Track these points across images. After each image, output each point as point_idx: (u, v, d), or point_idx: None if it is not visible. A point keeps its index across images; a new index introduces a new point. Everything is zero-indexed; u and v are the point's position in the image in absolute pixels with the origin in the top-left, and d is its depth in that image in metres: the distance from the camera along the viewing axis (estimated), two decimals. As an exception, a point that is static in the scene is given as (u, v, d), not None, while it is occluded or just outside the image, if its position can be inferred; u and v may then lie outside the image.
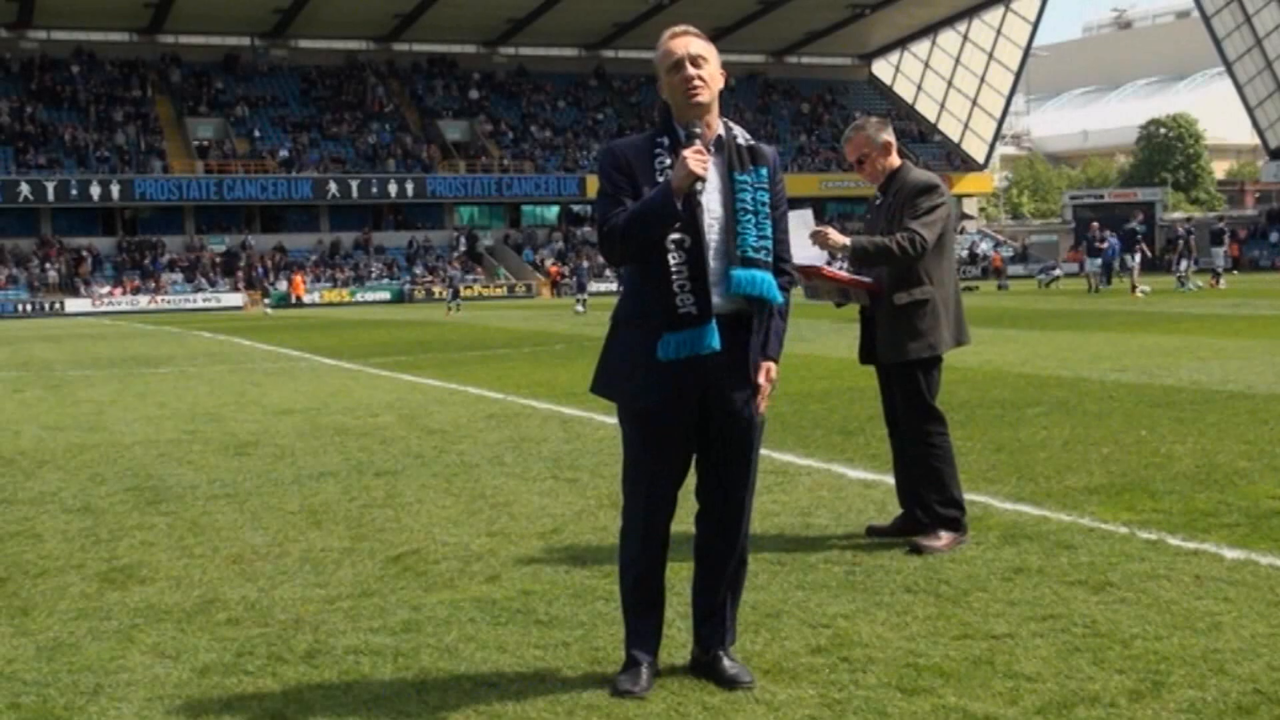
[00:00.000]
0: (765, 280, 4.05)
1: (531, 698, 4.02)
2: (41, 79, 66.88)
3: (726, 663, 4.12)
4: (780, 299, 4.13)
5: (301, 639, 4.73)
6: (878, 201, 6.13)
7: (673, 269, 3.98)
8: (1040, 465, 7.79)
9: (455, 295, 45.88)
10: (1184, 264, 38.02)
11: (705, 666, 4.15)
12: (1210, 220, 59.50)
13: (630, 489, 4.19)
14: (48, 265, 59.82)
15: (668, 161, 4.02)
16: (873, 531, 6.11)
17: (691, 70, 4.04)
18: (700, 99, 4.05)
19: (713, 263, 4.01)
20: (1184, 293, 34.96)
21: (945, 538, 5.74)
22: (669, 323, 3.99)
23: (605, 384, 4.20)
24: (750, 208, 4.08)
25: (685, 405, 4.07)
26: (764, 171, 4.15)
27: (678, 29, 4.14)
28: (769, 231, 4.12)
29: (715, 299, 4.01)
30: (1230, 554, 5.43)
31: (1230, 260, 43.64)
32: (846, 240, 5.84)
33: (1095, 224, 40.43)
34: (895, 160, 6.08)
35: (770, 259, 4.09)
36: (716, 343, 3.98)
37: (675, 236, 3.97)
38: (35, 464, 9.42)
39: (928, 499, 5.84)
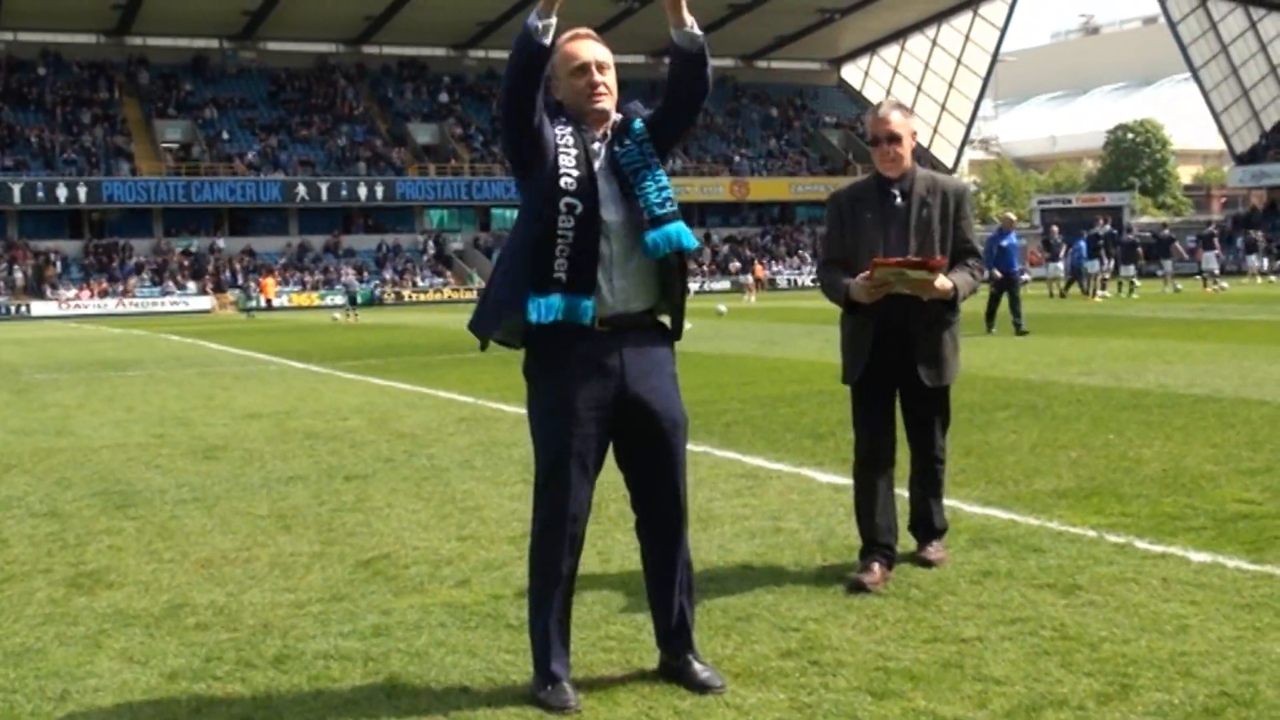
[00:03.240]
0: (679, 232, 4.06)
1: (501, 703, 4.01)
2: (7, 80, 66.45)
3: (697, 666, 4.12)
4: (694, 243, 4.11)
5: (271, 644, 4.71)
6: (897, 201, 5.30)
7: (559, 232, 3.97)
8: (1008, 469, 7.82)
9: (352, 302, 45.36)
10: (1129, 268, 38.48)
11: (675, 671, 4.14)
12: (1199, 224, 60.18)
13: (547, 496, 4.12)
14: (14, 268, 59.38)
15: (570, 140, 4.05)
16: (858, 587, 5.19)
17: (597, 76, 4.08)
18: (602, 105, 4.09)
19: (619, 262, 4.04)
20: (1121, 299, 35.31)
21: (943, 548, 5.61)
22: (538, 285, 3.99)
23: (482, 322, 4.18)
24: (640, 163, 4.09)
25: (599, 410, 4.05)
26: (637, 126, 4.16)
27: (580, 31, 4.13)
28: (664, 180, 4.12)
29: (618, 298, 4.04)
30: (1197, 557, 5.46)
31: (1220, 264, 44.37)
32: (950, 285, 5.15)
33: (1055, 228, 40.78)
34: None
35: (676, 208, 4.09)
36: (588, 318, 3.99)
37: (568, 200, 3.98)
38: (1, 468, 9.34)
39: (935, 512, 5.60)
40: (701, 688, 4.03)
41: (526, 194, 4.10)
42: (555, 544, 4.10)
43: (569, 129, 4.08)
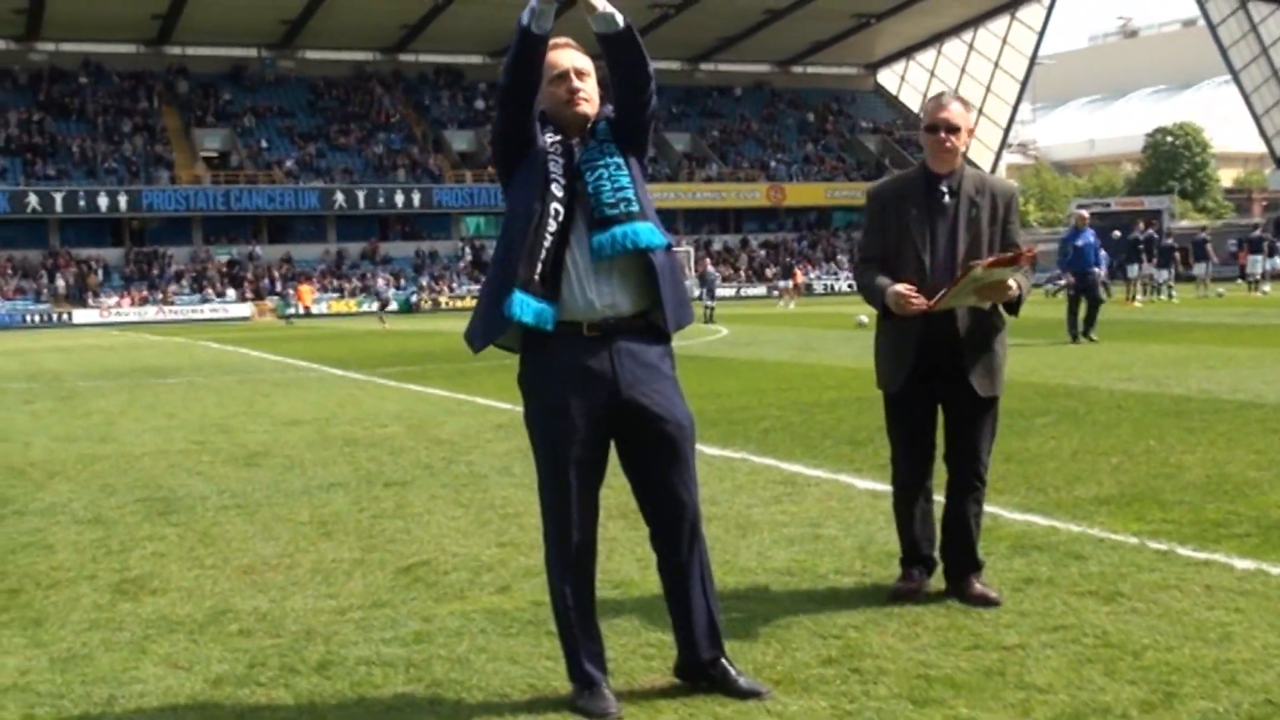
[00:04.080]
0: (629, 232, 4.03)
1: (543, 709, 4.03)
2: (50, 91, 67.09)
3: (734, 672, 4.12)
4: (662, 241, 4.08)
5: (314, 650, 4.74)
6: (945, 198, 5.07)
7: (544, 237, 3.99)
8: (1049, 475, 7.78)
9: (383, 308, 45.85)
10: (1165, 272, 38.27)
11: (713, 678, 4.12)
12: (1244, 228, 59.70)
13: (551, 505, 4.13)
14: (57, 276, 59.98)
15: (559, 147, 4.10)
16: (899, 596, 5.19)
17: (576, 82, 4.11)
18: (583, 109, 4.12)
19: (602, 267, 4.04)
20: (1162, 302, 35.19)
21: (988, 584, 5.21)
22: (523, 281, 3.99)
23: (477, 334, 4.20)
24: (597, 162, 4.10)
25: (593, 416, 4.05)
26: (600, 126, 4.17)
27: (559, 40, 4.14)
28: (624, 180, 4.09)
29: (604, 302, 4.03)
30: (1241, 564, 5.42)
31: (1267, 267, 44.09)
32: (1018, 287, 4.93)
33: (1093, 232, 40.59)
34: None
35: (636, 208, 4.06)
36: (550, 325, 4.01)
37: (556, 205, 4.01)
38: (46, 475, 9.44)
39: (975, 541, 5.20)
40: (744, 694, 4.03)
41: (513, 198, 4.12)
42: (565, 552, 4.12)
43: (558, 137, 4.12)
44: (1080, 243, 20.30)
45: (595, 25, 3.97)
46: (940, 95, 5.24)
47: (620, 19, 3.97)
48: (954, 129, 5.06)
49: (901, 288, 4.93)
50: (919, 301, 4.89)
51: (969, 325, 5.04)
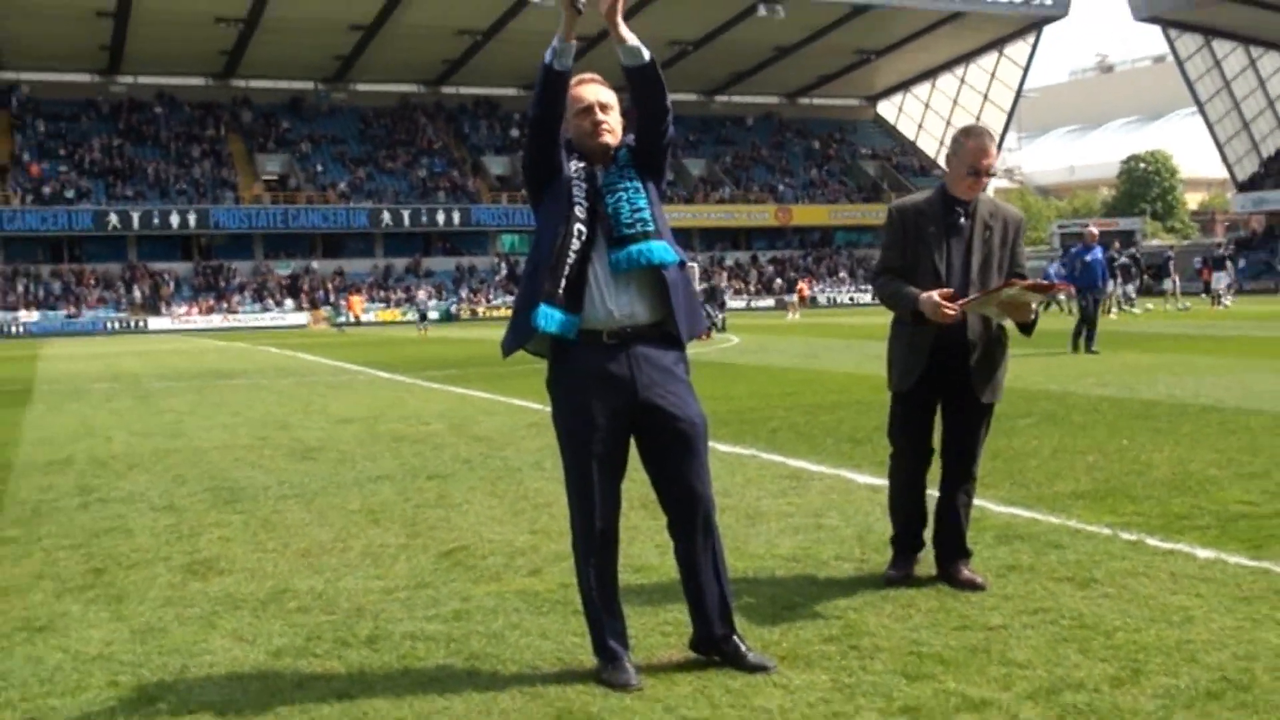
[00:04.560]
0: (644, 250, 4.04)
1: (570, 681, 4.06)
2: (129, 119, 67.48)
3: (744, 649, 4.13)
4: (674, 258, 4.09)
5: (364, 625, 4.78)
6: (961, 219, 5.05)
7: (567, 254, 4.01)
8: (1031, 472, 7.78)
9: (423, 318, 46.04)
10: (1129, 287, 38.17)
11: (726, 655, 4.14)
12: (1209, 247, 59.41)
13: (576, 498, 4.15)
14: (134, 287, 60.30)
15: (582, 173, 4.12)
16: (894, 580, 5.20)
17: (600, 115, 4.13)
18: (605, 140, 4.14)
19: (620, 279, 4.05)
20: (1132, 314, 35.04)
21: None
22: (547, 294, 4.01)
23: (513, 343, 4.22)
24: (617, 185, 4.11)
25: (613, 416, 4.06)
26: (622, 153, 4.18)
27: (585, 75, 4.17)
28: (641, 202, 4.10)
29: (622, 312, 4.05)
30: (1202, 554, 5.42)
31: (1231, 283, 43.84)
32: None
33: (1073, 250, 40.53)
34: None
35: (652, 228, 4.07)
36: (573, 334, 4.02)
37: (579, 225, 4.03)
38: (126, 467, 9.51)
39: (964, 535, 5.20)
40: (753, 668, 4.05)
41: (541, 219, 4.14)
42: (590, 539, 4.14)
43: (582, 164, 4.14)
44: (1089, 258, 19.38)
45: (624, 57, 3.99)
46: (982, 136, 5.08)
47: (646, 53, 3.99)
48: (992, 174, 5.06)
49: (937, 295, 4.86)
50: (954, 312, 4.84)
51: (979, 336, 5.04)
